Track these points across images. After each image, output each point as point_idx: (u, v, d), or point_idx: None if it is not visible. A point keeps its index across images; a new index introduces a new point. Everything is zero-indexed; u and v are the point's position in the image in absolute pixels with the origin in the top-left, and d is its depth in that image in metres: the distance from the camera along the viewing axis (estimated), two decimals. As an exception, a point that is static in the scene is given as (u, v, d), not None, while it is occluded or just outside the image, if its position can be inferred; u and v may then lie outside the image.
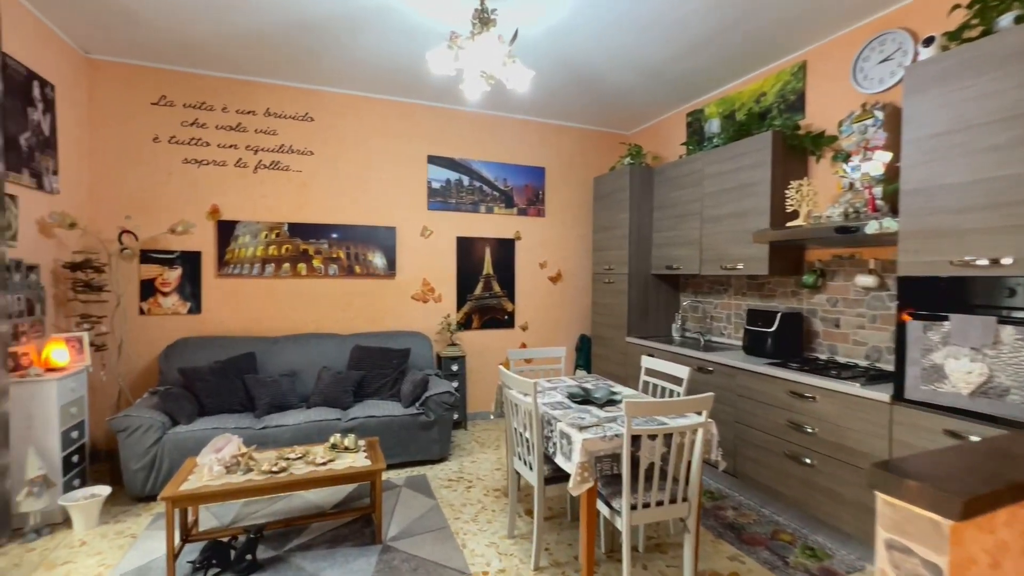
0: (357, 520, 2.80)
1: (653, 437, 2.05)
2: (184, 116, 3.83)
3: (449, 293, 4.69)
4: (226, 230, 3.96)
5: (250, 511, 2.91)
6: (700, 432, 2.08)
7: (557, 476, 2.46)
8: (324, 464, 2.56)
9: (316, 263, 4.21)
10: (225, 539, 2.42)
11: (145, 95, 3.74)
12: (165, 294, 3.82)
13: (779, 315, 3.22)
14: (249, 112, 4.00)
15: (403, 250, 4.51)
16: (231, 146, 3.96)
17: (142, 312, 3.76)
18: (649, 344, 4.00)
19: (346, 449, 2.75)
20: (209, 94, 3.89)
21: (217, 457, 2.46)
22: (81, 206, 3.52)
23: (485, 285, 4.82)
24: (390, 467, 3.61)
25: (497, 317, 4.87)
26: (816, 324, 3.25)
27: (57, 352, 2.88)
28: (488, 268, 4.82)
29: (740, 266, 3.43)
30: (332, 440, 2.77)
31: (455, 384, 4.37)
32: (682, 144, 4.35)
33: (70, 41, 3.38)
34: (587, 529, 2.09)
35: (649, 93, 4.22)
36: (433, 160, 4.58)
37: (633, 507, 2.03)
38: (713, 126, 4.00)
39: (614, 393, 2.70)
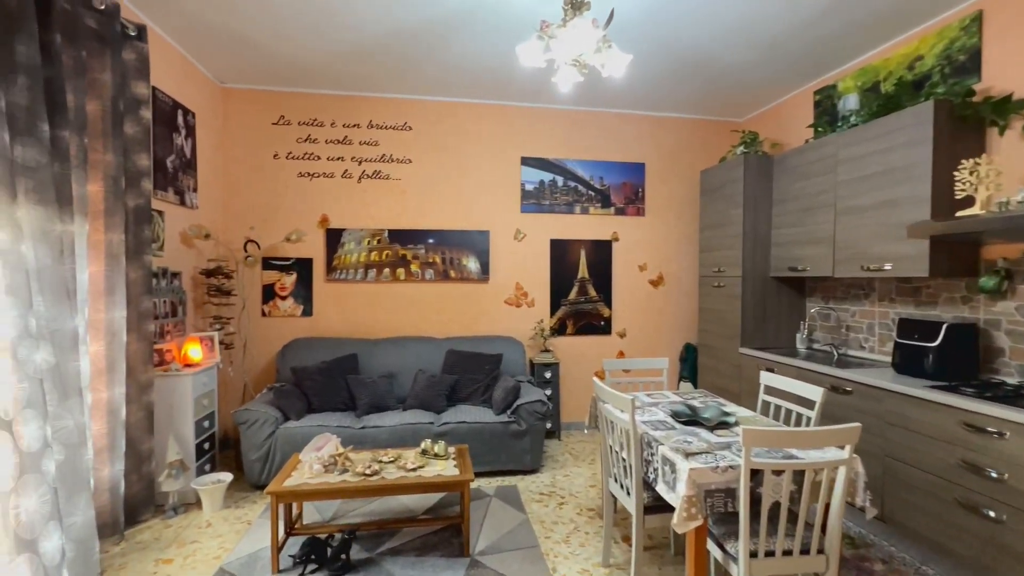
0: (446, 528, 2.76)
1: (779, 473, 1.71)
2: (299, 133, 4.15)
3: (542, 297, 4.55)
4: (334, 238, 4.21)
5: (349, 508, 3.01)
6: (842, 471, 1.69)
7: (659, 505, 2.19)
8: (414, 470, 2.54)
9: (413, 268, 4.32)
10: (323, 536, 2.49)
11: (267, 116, 4.11)
12: (283, 298, 4.16)
13: (944, 327, 2.60)
14: (354, 125, 4.22)
15: (496, 254, 4.46)
16: (338, 158, 4.21)
17: (264, 314, 4.13)
18: (768, 357, 3.50)
19: (436, 456, 2.72)
20: (320, 111, 4.17)
21: (317, 456, 2.55)
22: (214, 219, 3.95)
23: (580, 289, 4.61)
24: (480, 475, 3.55)
25: (593, 323, 4.63)
26: (999, 339, 2.58)
27: (193, 350, 3.22)
28: (583, 271, 4.60)
29: (887, 266, 2.85)
30: (423, 445, 2.76)
31: (548, 392, 4.21)
32: (809, 127, 3.77)
33: (208, 73, 3.81)
34: (695, 573, 1.80)
35: (767, 72, 3.73)
36: (526, 161, 4.49)
37: (753, 555, 1.71)
38: (849, 102, 3.40)
39: (727, 414, 2.36)
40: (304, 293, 4.19)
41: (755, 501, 1.78)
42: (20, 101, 1.95)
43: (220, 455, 3.77)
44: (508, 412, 3.54)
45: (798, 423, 3.05)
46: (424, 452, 2.74)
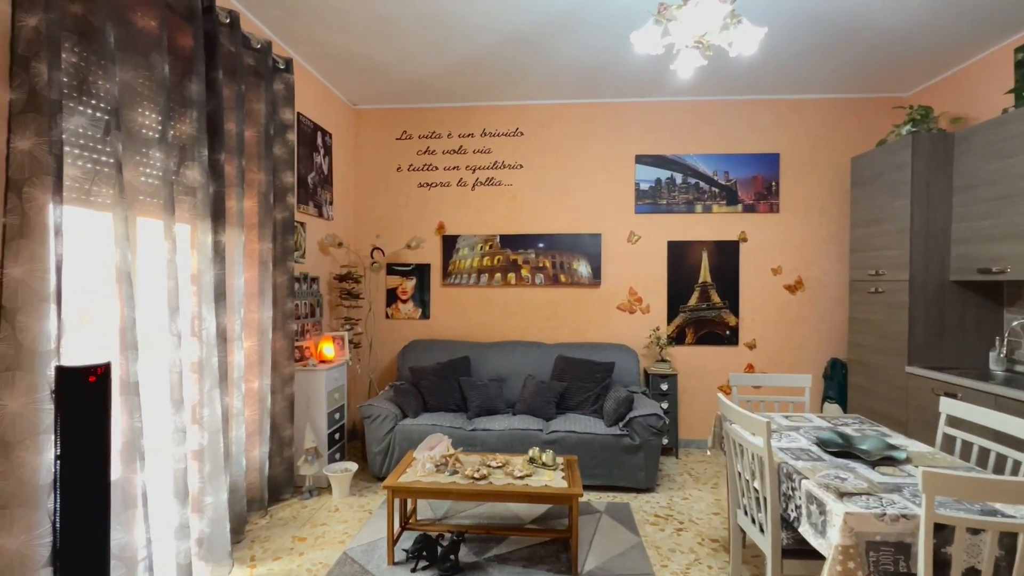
0: (554, 542, 2.66)
1: (977, 531, 1.33)
2: (419, 146, 4.40)
3: (658, 303, 4.26)
4: (449, 244, 4.37)
5: (459, 508, 3.06)
6: (1079, 539, 1.26)
7: (801, 549, 1.86)
8: (521, 478, 2.49)
9: (524, 272, 4.31)
10: (434, 535, 2.55)
11: (392, 132, 4.42)
12: (404, 301, 4.42)
13: None
14: (468, 135, 4.36)
15: (608, 257, 4.28)
16: (454, 167, 4.38)
17: (387, 316, 4.43)
18: (948, 379, 2.85)
19: (544, 465, 2.64)
20: (437, 123, 4.38)
21: (429, 455, 2.62)
22: (346, 229, 4.33)
23: (701, 295, 4.22)
24: (589, 488, 3.39)
25: (716, 332, 4.21)
26: None
27: (327, 347, 3.55)
28: (705, 275, 4.22)
29: None
30: (531, 453, 2.70)
31: (664, 406, 3.91)
32: (1008, 92, 3.03)
33: (343, 97, 4.21)
34: (853, 641, 1.48)
35: (945, 31, 3.07)
36: (641, 160, 4.25)
37: (938, 631, 1.35)
38: (1071, 57, 2.65)
39: (893, 447, 1.93)
40: (422, 297, 4.41)
41: (940, 564, 1.40)
42: (187, 131, 2.29)
43: (348, 445, 4.11)
44: (620, 424, 3.35)
45: (1000, 468, 2.43)
46: (532, 460, 2.68)
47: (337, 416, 3.55)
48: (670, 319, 4.25)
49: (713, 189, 4.22)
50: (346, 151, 4.31)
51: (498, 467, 2.64)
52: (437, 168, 4.39)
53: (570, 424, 3.39)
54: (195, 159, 2.30)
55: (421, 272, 4.41)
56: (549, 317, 4.32)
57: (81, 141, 1.82)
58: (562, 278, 4.30)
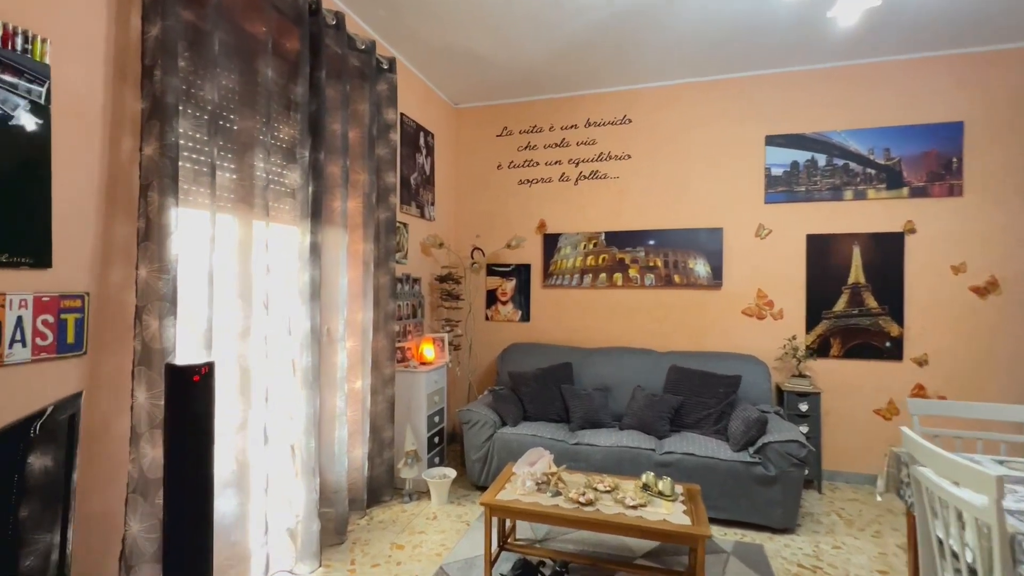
0: (672, 585, 2.28)
1: None
2: (519, 142, 4.23)
3: (794, 308, 3.62)
4: (550, 243, 4.14)
5: (561, 531, 2.80)
6: None
7: (1049, 659, 1.31)
8: (635, 508, 2.16)
9: (632, 272, 3.94)
10: (535, 561, 2.32)
11: (492, 130, 4.30)
12: (503, 303, 4.28)
13: None
14: (571, 127, 4.10)
15: (731, 255, 3.74)
16: (555, 162, 4.14)
17: (487, 318, 4.31)
18: None
19: (660, 494, 2.28)
20: (539, 117, 4.17)
21: (530, 471, 2.40)
22: (447, 229, 4.30)
23: (852, 298, 3.51)
24: (713, 522, 2.93)
25: (872, 343, 3.48)
26: None
27: (428, 349, 3.50)
28: (857, 275, 3.50)
29: None
30: (644, 479, 2.36)
31: (804, 429, 3.29)
32: None
33: (444, 96, 4.19)
34: None
35: None
36: (773, 141, 3.66)
37: None
38: None
39: None
40: (522, 299, 4.23)
41: None
42: (290, 133, 2.30)
43: (447, 448, 4.05)
44: (751, 450, 2.85)
45: None
46: (646, 487, 2.33)
47: (436, 419, 3.48)
48: (810, 327, 3.59)
49: (868, 171, 3.49)
50: (447, 151, 4.28)
51: (606, 491, 2.33)
52: (538, 164, 4.19)
53: (687, 445, 2.96)
54: (296, 160, 2.32)
55: (521, 273, 4.23)
56: (660, 322, 3.90)
57: (189, 144, 1.87)
58: (676, 279, 3.85)
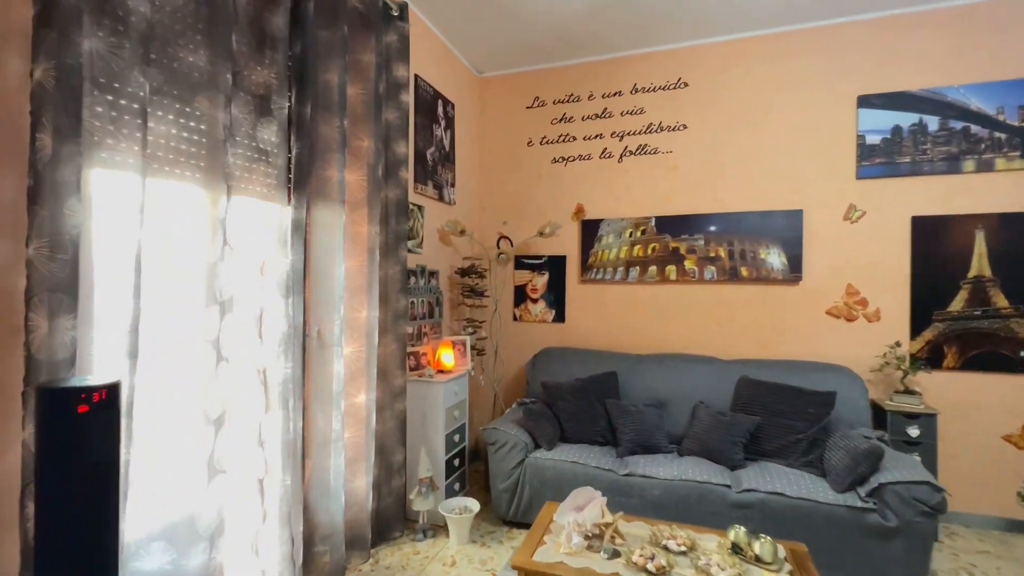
0: None
1: None
2: (553, 113, 3.64)
3: (895, 307, 2.93)
4: (590, 231, 3.54)
5: (612, 588, 2.20)
6: None
7: None
8: (726, 584, 1.55)
9: (688, 264, 3.30)
10: (583, 644, 1.73)
11: (522, 100, 3.73)
12: (534, 300, 3.70)
13: None
14: (615, 94, 3.49)
15: (813, 242, 3.08)
16: (596, 136, 3.54)
17: (515, 318, 3.74)
18: None
19: (758, 561, 1.67)
20: (576, 84, 3.58)
21: (577, 520, 1.81)
22: (470, 214, 3.74)
23: (974, 296, 2.80)
24: (809, 580, 2.29)
25: (1001, 352, 2.76)
26: None
27: (446, 355, 2.95)
28: (980, 266, 2.79)
29: None
30: (732, 535, 1.75)
31: (915, 458, 2.60)
32: None
33: (467, 63, 3.63)
34: None
35: None
36: (868, 102, 2.97)
37: None
38: None
39: None
40: (556, 296, 3.64)
41: None
42: (264, 76, 1.77)
43: (469, 468, 3.48)
44: (861, 491, 2.19)
45: None
46: (736, 549, 1.72)
47: (456, 438, 2.93)
48: (916, 331, 2.90)
49: (996, 135, 2.77)
50: (470, 125, 3.73)
51: (681, 551, 1.73)
52: (575, 138, 3.59)
53: (771, 480, 2.33)
54: (272, 113, 1.79)
55: (555, 266, 3.64)
56: (723, 324, 3.25)
57: (105, 74, 1.34)
58: (743, 271, 3.20)
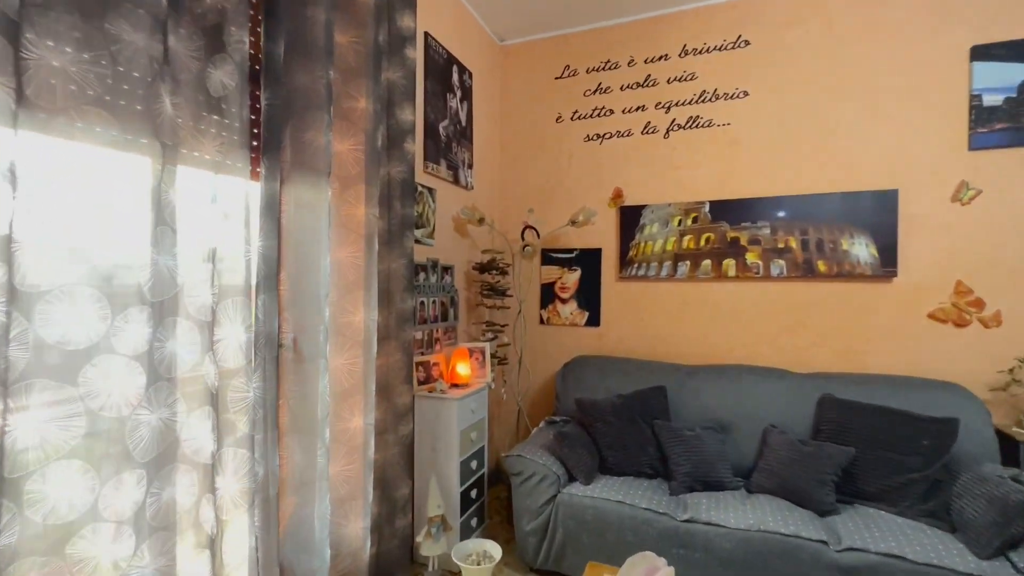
0: None
1: None
2: (587, 84, 3.14)
3: (1022, 309, 2.34)
4: (630, 219, 3.02)
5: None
6: None
7: None
8: None
9: (751, 258, 2.76)
10: None
11: (550, 70, 3.24)
12: (564, 301, 3.20)
13: None
14: (660, 58, 2.97)
15: (912, 229, 2.50)
16: (637, 108, 3.02)
17: (542, 322, 3.25)
18: None
19: None
20: (614, 48, 3.07)
21: (636, 604, 1.31)
22: (490, 201, 3.27)
23: None
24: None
25: None
26: None
27: (462, 366, 2.48)
28: None
29: None
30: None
31: (1062, 506, 2.01)
32: None
33: (488, 29, 3.16)
34: None
35: None
36: (985, 54, 2.38)
37: None
38: None
39: None
40: (589, 295, 3.13)
41: None
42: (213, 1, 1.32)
43: (489, 493, 3.00)
44: (1015, 556, 1.63)
45: None
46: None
47: (474, 464, 2.45)
48: (1050, 340, 2.30)
49: None
50: (490, 99, 3.25)
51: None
52: (612, 112, 3.08)
53: (881, 534, 1.78)
54: (225, 48, 1.34)
55: (588, 260, 3.14)
56: (794, 330, 2.70)
57: None
58: (820, 266, 2.63)
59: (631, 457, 2.33)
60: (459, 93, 2.83)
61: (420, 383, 2.35)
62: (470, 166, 2.96)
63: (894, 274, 2.51)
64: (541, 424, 2.75)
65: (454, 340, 2.79)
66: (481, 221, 2.81)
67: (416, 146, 2.29)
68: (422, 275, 2.47)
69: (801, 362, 2.68)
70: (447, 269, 2.73)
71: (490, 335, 2.92)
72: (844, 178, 2.61)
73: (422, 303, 2.46)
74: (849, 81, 2.60)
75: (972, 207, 2.41)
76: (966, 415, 2.16)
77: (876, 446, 2.09)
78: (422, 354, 2.45)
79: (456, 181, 2.80)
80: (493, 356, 2.87)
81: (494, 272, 2.91)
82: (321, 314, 1.67)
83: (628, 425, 2.40)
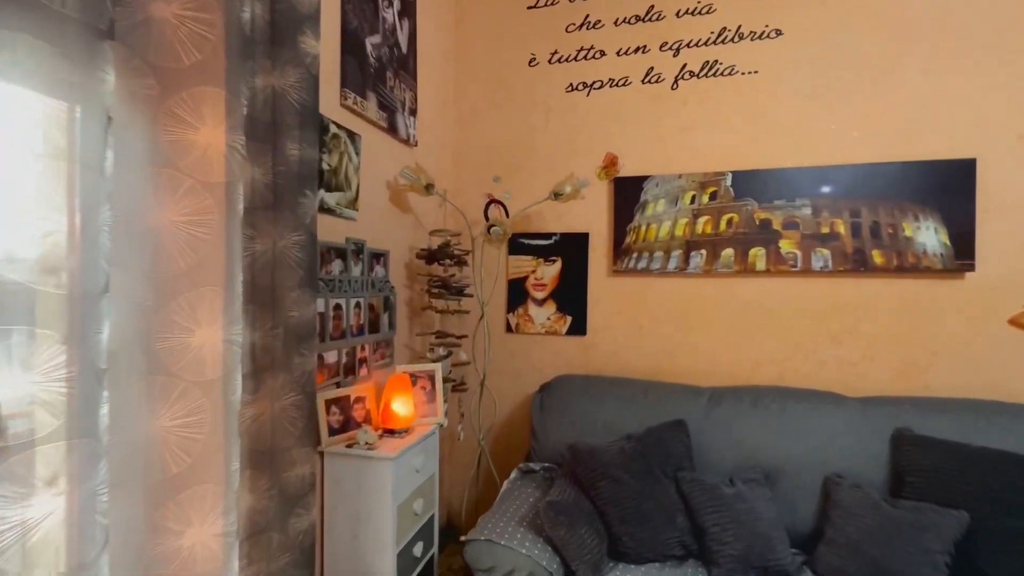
0: None
1: None
2: (570, 16, 2.38)
3: None
4: (628, 195, 2.30)
5: None
6: None
7: None
8: None
9: (786, 246, 2.11)
10: None
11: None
12: (539, 302, 2.43)
13: None
14: (666, -16, 2.26)
15: (993, 209, 1.94)
16: (637, 50, 2.30)
17: (510, 328, 2.46)
18: None
19: None
20: (606, -32, 2.33)
21: None
22: (441, 164, 2.44)
23: None
24: None
25: None
26: None
27: (399, 402, 1.63)
28: None
29: None
30: None
31: None
32: None
33: (436, -69, 2.32)
34: None
35: None
36: (1088, -15, 1.85)
37: None
38: None
39: None
40: (572, 294, 2.38)
41: None
42: None
43: (440, 563, 2.17)
44: None
45: None
46: None
47: (418, 550, 1.62)
48: None
49: None
50: (442, 26, 2.42)
51: None
52: (604, 53, 2.34)
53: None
54: None
55: (571, 248, 2.38)
56: (841, 339, 2.08)
57: None
58: (875, 257, 2.03)
59: (655, 533, 1.59)
60: (397, 5, 1.97)
61: (333, 432, 1.48)
62: (412, 112, 2.11)
63: (970, 267, 1.94)
64: (513, 474, 1.96)
65: (390, 361, 1.94)
66: (429, 188, 1.97)
67: (325, 52, 1.43)
68: (337, 264, 1.60)
69: (850, 382, 2.06)
70: (379, 256, 1.88)
71: (442, 351, 2.08)
72: (905, 144, 2.02)
73: (337, 307, 1.59)
74: (915, 17, 2.00)
75: (1066, 183, 1.88)
76: (1084, 455, 1.60)
77: (996, 508, 1.48)
78: (337, 386, 1.59)
79: (392, 129, 1.94)
80: (446, 381, 2.03)
81: (447, 262, 2.08)
82: (96, 335, 0.78)
83: (645, 482, 1.67)
